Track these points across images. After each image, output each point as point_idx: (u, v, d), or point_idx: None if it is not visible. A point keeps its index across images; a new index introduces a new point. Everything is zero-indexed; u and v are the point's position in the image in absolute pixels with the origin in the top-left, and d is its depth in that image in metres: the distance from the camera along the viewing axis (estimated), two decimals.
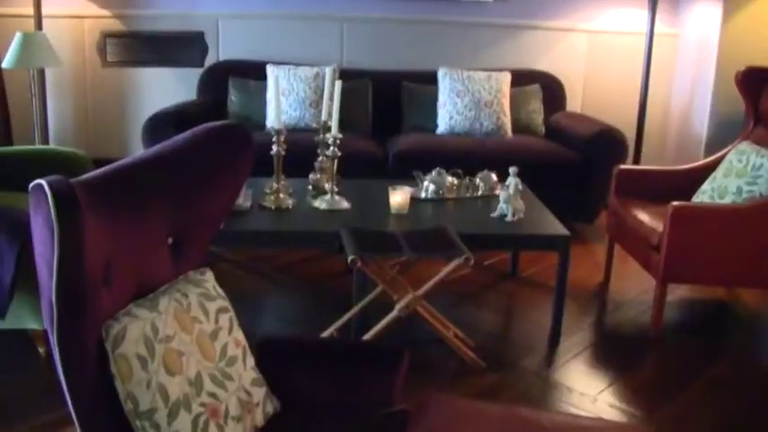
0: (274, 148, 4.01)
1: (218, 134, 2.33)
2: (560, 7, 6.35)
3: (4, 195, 3.85)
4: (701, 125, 5.98)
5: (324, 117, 4.23)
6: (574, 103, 6.35)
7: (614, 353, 4.00)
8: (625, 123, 5.92)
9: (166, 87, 6.28)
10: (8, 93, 6.03)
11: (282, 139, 4.01)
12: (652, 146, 6.33)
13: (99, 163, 4.33)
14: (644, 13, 6.03)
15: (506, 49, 6.36)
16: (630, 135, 5.90)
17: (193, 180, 2.24)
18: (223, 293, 2.23)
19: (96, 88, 6.39)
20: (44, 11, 5.96)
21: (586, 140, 5.52)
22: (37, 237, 1.82)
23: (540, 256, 5.03)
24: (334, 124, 4.02)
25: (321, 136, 4.20)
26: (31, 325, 3.42)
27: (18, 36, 5.33)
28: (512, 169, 4.06)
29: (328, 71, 4.35)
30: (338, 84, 3.99)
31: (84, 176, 1.95)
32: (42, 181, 1.80)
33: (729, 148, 4.59)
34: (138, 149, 5.74)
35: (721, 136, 5.54)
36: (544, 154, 5.56)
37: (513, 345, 4.08)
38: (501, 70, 6.02)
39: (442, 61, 6.08)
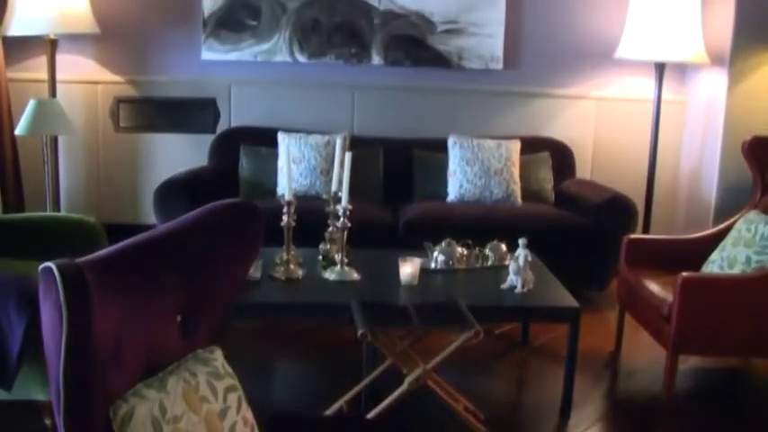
0: (285, 218, 4.03)
1: (229, 212, 2.35)
2: (569, 75, 6.41)
3: (14, 263, 3.86)
4: (710, 191, 5.98)
5: (334, 187, 4.25)
6: (583, 170, 6.37)
7: (626, 425, 3.97)
8: (634, 189, 5.94)
9: (178, 153, 6.32)
10: (20, 158, 6.08)
11: (293, 209, 4.03)
12: (661, 212, 6.34)
13: (110, 228, 4.39)
14: (651, 81, 6.07)
15: (516, 117, 6.41)
16: (640, 201, 5.91)
17: (203, 258, 2.25)
18: (231, 371, 2.22)
19: (109, 153, 6.43)
20: (58, 76, 6.03)
21: (596, 208, 5.54)
22: (46, 320, 1.83)
23: (552, 324, 5.01)
24: (344, 195, 4.04)
25: (331, 206, 4.22)
26: (38, 396, 3.41)
27: (32, 103, 5.39)
28: (521, 241, 4.06)
29: (339, 141, 4.40)
30: (348, 155, 4.02)
31: (94, 256, 1.96)
32: (52, 265, 1.81)
33: (738, 216, 4.59)
34: (150, 215, 5.77)
35: (730, 202, 5.54)
36: (554, 222, 5.57)
37: (524, 417, 4.06)
38: (511, 138, 6.05)
39: (452, 128, 6.12)
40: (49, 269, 1.80)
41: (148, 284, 2.08)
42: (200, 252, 2.24)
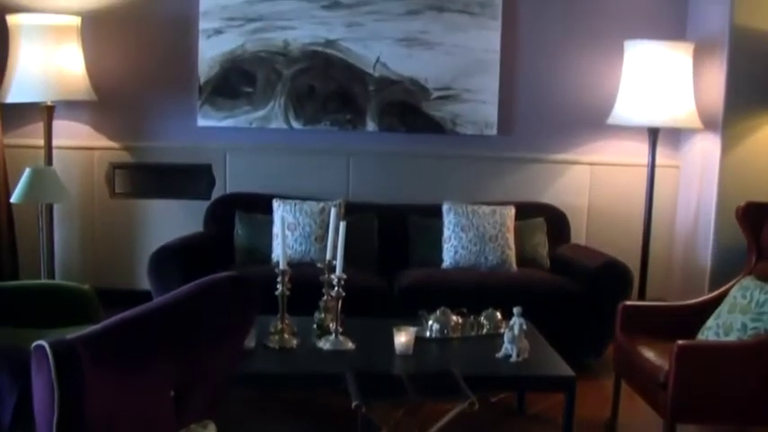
0: (279, 287, 4.03)
1: (225, 287, 2.35)
2: (563, 140, 6.46)
3: (8, 332, 3.85)
4: (705, 256, 5.99)
5: (329, 255, 4.25)
6: (578, 235, 6.38)
7: None
8: (630, 254, 5.94)
9: (173, 219, 6.33)
10: (15, 224, 6.08)
11: (287, 278, 4.03)
12: (657, 276, 6.33)
13: (105, 294, 4.38)
14: (645, 146, 6.11)
15: (510, 182, 6.44)
16: (635, 265, 5.90)
17: (198, 333, 2.25)
18: None
19: (104, 219, 6.44)
20: (55, 142, 6.07)
21: (591, 274, 5.53)
22: (38, 398, 1.82)
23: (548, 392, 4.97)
24: (338, 264, 4.05)
25: (326, 276, 4.21)
26: None
27: (27, 172, 5.41)
28: (515, 310, 4.06)
29: (333, 211, 4.41)
30: (342, 225, 4.03)
31: (88, 332, 1.96)
32: (44, 343, 1.80)
33: (733, 282, 4.58)
34: (144, 281, 5.74)
35: (726, 267, 5.55)
36: (549, 288, 5.56)
37: None
38: (505, 204, 6.07)
39: (447, 194, 6.14)
40: (41, 347, 1.79)
41: (143, 361, 2.07)
42: (195, 327, 2.23)
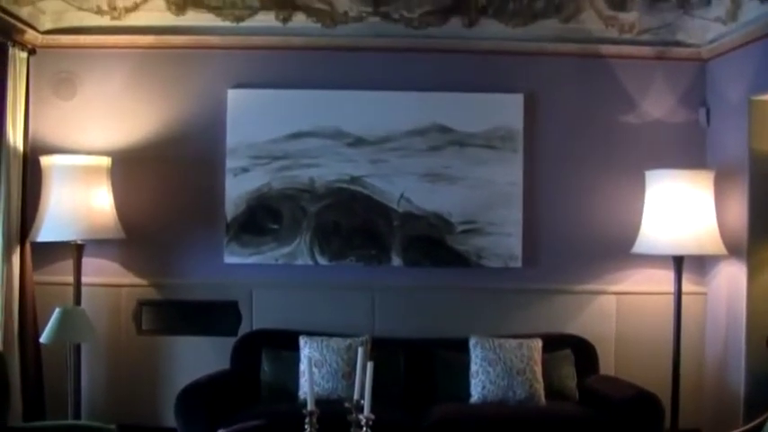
0: (307, 428, 4.00)
1: None
2: (588, 270, 6.47)
3: None
4: (738, 383, 5.89)
5: (356, 394, 4.23)
6: (606, 365, 6.31)
7: None
8: (660, 383, 5.87)
9: (200, 356, 6.33)
10: (43, 362, 6.10)
11: (315, 419, 4.01)
12: (689, 405, 6.22)
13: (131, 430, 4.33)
14: (670, 274, 6.10)
15: (536, 314, 6.43)
16: (666, 395, 5.82)
17: None
18: None
19: (130, 356, 6.45)
20: (83, 279, 6.14)
21: (621, 406, 5.46)
22: None
23: None
24: (366, 405, 4.02)
25: (354, 415, 4.18)
26: None
27: (57, 312, 5.49)
28: None
29: (360, 351, 4.39)
30: (370, 365, 4.02)
31: None
32: None
33: None
34: (171, 419, 5.70)
35: (761, 393, 5.48)
36: (580, 421, 5.49)
37: None
38: (532, 336, 6.05)
39: (473, 327, 6.12)
40: None
41: None
42: None
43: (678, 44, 6.50)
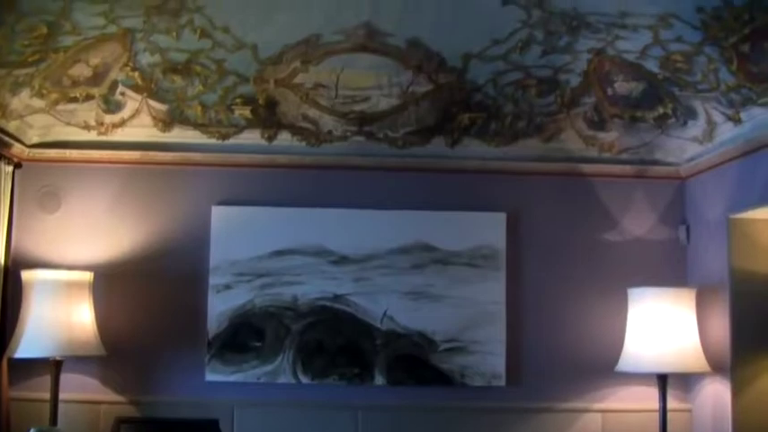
0: None
1: None
2: (572, 388, 6.43)
3: None
4: None
5: None
6: None
7: None
8: None
9: None
10: None
11: None
12: None
13: None
14: (655, 391, 6.07)
15: None
16: None
17: None
18: None
19: None
20: (61, 395, 6.02)
21: None
22: None
23: None
24: None
25: None
26: None
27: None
28: None
29: None
30: None
31: None
32: None
33: None
34: None
35: None
36: None
37: None
38: None
39: None
40: None
41: None
42: None
43: (657, 163, 6.61)
